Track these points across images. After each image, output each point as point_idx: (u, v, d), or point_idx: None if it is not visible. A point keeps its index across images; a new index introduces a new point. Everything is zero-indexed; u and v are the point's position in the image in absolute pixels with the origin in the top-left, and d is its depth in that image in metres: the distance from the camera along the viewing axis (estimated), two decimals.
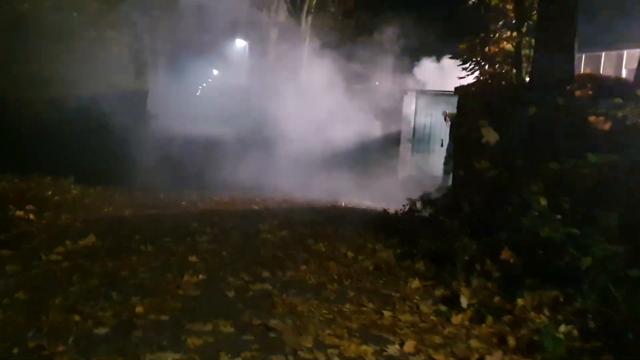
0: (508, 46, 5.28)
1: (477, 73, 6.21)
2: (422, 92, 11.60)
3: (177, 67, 22.52)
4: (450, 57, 7.10)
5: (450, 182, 11.15)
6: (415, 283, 4.47)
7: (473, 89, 5.99)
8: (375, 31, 12.07)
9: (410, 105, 11.34)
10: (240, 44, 22.89)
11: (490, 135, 4.89)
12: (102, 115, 9.95)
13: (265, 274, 4.54)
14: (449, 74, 11.58)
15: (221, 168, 10.15)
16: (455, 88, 7.09)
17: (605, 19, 13.82)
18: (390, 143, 11.16)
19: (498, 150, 4.91)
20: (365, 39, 12.02)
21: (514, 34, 5.31)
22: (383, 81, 11.45)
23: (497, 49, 5.26)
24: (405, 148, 11.48)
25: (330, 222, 6.81)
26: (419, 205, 6.67)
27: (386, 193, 10.10)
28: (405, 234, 5.79)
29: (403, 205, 6.96)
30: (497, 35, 5.36)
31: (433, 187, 10.99)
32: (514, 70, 5.35)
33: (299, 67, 13.50)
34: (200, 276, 4.34)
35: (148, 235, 5.61)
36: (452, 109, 11.37)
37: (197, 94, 31.69)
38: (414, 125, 11.52)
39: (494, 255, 4.25)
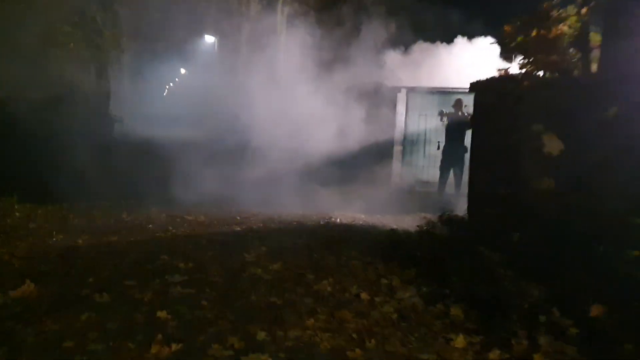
0: (566, 28, 4.24)
1: (514, 64, 5.13)
2: (412, 90, 10.57)
3: (142, 65, 21.14)
4: (493, 43, 5.91)
5: (446, 188, 10.26)
6: (459, 341, 3.40)
7: (506, 83, 4.96)
8: (362, 22, 10.97)
9: (400, 105, 10.31)
10: (209, 40, 21.58)
11: (553, 145, 3.88)
12: (55, 121, 8.62)
13: (261, 335, 3.41)
14: (448, 67, 10.62)
15: (194, 178, 8.93)
16: (472, 84, 6.06)
17: None
18: (383, 147, 10.11)
19: (561, 164, 3.91)
20: (351, 32, 10.91)
21: (583, 10, 4.24)
22: (373, 78, 10.37)
23: (558, 32, 4.21)
24: (397, 152, 10.44)
25: (329, 246, 5.70)
26: (439, 226, 5.62)
27: (381, 203, 9.05)
28: (428, 265, 4.73)
29: (418, 226, 5.90)
30: (556, 14, 4.30)
31: (428, 195, 10.10)
32: (579, 60, 4.29)
33: (274, 64, 12.32)
34: (174, 345, 3.19)
35: (105, 276, 4.42)
36: (448, 108, 10.48)
37: (164, 94, 30.14)
38: (405, 127, 10.48)
39: (566, 305, 3.22)
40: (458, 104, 10.10)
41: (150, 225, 6.56)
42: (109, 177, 8.34)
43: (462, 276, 4.13)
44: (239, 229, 6.58)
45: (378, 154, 10.19)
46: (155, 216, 7.08)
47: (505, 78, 5.31)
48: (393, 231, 6.39)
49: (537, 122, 4.08)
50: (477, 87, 5.91)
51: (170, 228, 6.40)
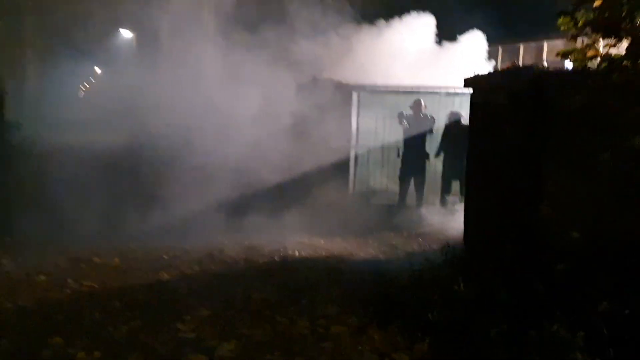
0: None
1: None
2: (362, 89, 9.15)
3: (51, 64, 18.50)
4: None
5: (408, 199, 8.94)
6: None
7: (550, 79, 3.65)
8: (302, 11, 9.47)
9: (355, 107, 8.87)
10: (126, 35, 19.32)
11: None
12: None
13: None
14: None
15: (106, 198, 7.08)
16: (467, 80, 4.75)
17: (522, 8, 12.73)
18: (337, 155, 8.64)
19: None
20: (292, 22, 9.38)
21: None
22: (321, 76, 8.90)
23: None
24: (352, 161, 9.00)
25: (295, 300, 4.18)
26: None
27: (339, 221, 7.59)
28: (447, 333, 3.32)
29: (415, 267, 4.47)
30: None
31: (390, 209, 8.74)
32: None
33: (202, 61, 10.56)
34: None
35: None
36: (406, 109, 9.15)
37: (80, 95, 27.27)
38: (360, 132, 9.07)
39: None
40: (417, 105, 8.85)
41: (41, 277, 4.73)
42: None
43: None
44: (167, 276, 4.87)
45: (331, 164, 8.72)
46: (51, 260, 5.22)
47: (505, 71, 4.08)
48: (378, 274, 4.94)
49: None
50: (477, 83, 4.59)
51: (70, 281, 4.59)
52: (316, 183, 8.51)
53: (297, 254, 5.91)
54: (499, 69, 4.60)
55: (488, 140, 4.44)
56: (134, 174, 7.85)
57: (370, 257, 6.12)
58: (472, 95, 4.81)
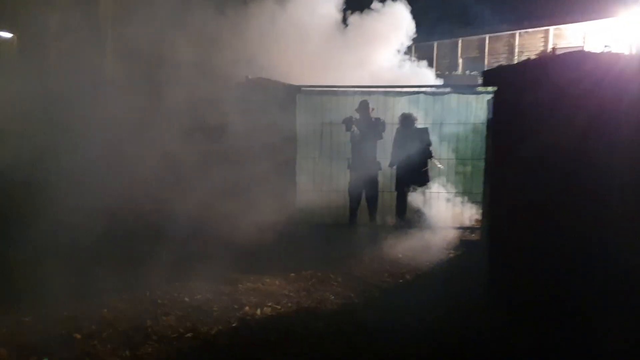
0: None
1: None
2: (299, 90, 7.82)
3: None
4: None
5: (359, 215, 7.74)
6: None
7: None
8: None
9: (295, 110, 7.51)
10: (4, 36, 16.39)
11: None
12: None
13: None
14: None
15: None
16: (490, 74, 3.64)
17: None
18: (278, 168, 7.22)
19: None
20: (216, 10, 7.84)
21: None
22: (252, 74, 7.45)
23: None
24: (293, 174, 7.63)
25: None
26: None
27: (290, 249, 6.32)
28: None
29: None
30: None
31: (342, 231, 7.48)
32: None
33: (100, 63, 8.74)
34: None
35: None
36: (347, 112, 7.95)
37: None
38: (301, 139, 7.75)
39: None
40: (363, 106, 7.74)
41: None
42: None
43: None
44: None
45: (270, 179, 7.32)
46: None
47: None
48: (375, 338, 3.70)
49: None
50: (500, 78, 3.48)
51: None
52: (254, 204, 7.06)
53: (258, 312, 4.50)
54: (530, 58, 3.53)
55: (529, 148, 3.36)
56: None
57: (344, 304, 4.89)
58: (498, 93, 3.70)
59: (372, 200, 7.82)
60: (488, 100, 7.37)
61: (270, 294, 5.03)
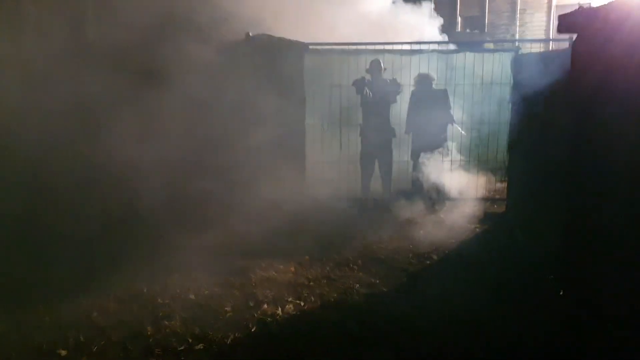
0: None
1: None
2: (307, 49, 6.87)
3: None
4: None
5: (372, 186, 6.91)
6: None
7: None
8: None
9: (297, 70, 6.61)
10: None
11: None
12: None
13: None
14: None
15: None
16: (567, 18, 2.88)
17: None
18: (285, 138, 6.36)
19: None
20: None
21: None
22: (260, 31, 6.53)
23: None
24: (302, 147, 6.80)
25: None
26: None
27: (303, 230, 5.61)
28: None
29: None
30: None
31: (356, 204, 6.70)
32: None
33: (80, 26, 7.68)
34: None
35: None
36: (361, 74, 7.03)
37: None
38: (309, 106, 6.88)
39: None
40: (375, 67, 6.92)
41: None
42: None
43: None
44: None
45: (276, 150, 6.50)
46: None
47: None
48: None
49: None
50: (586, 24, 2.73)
51: None
52: (257, 180, 6.27)
53: (279, 311, 3.80)
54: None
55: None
56: None
57: (372, 294, 4.23)
58: (578, 43, 2.95)
59: (386, 171, 7.11)
60: (513, 58, 6.63)
61: (287, 285, 4.34)
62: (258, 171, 6.21)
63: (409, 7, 9.09)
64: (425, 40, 7.52)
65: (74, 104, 4.88)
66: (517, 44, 7.58)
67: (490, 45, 10.70)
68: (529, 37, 14.74)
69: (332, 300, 4.05)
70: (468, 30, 18.10)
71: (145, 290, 4.06)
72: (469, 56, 7.15)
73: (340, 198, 6.80)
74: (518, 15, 17.03)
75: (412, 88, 7.01)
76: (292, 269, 4.81)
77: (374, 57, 6.97)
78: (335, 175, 7.08)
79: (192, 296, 3.99)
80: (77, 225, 4.47)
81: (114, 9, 5.86)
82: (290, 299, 3.99)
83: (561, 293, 3.76)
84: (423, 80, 6.91)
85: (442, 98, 6.88)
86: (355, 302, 4.06)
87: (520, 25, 16.31)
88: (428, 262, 5.15)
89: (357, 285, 4.46)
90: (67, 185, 4.70)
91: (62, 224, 4.43)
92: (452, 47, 7.30)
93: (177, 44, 6.24)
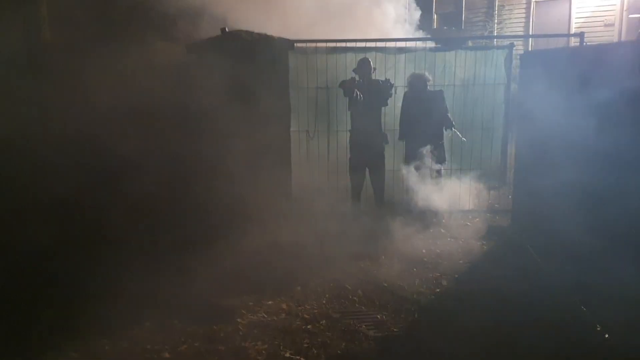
0: None
1: None
2: (292, 47, 6.09)
3: None
4: None
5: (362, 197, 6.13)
6: None
7: None
8: None
9: (281, 70, 5.82)
10: None
11: None
12: None
13: None
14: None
15: None
16: None
17: None
18: (269, 144, 5.53)
19: None
20: None
21: None
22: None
23: None
24: (287, 153, 6.01)
25: None
26: None
27: (293, 250, 4.88)
28: None
29: None
30: None
31: (349, 220, 5.93)
32: None
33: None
34: None
35: None
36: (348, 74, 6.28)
37: None
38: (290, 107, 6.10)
39: None
40: (364, 66, 6.22)
41: None
42: None
43: None
44: None
45: (259, 159, 5.70)
46: None
47: None
48: None
49: None
50: None
51: None
52: (244, 189, 5.48)
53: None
54: None
55: None
56: None
57: (384, 338, 3.55)
58: None
59: (378, 181, 6.42)
60: (521, 56, 6.04)
61: (282, 331, 3.60)
62: (240, 185, 5.43)
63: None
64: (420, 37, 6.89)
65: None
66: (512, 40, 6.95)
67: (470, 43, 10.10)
68: (507, 34, 14.37)
69: (339, 352, 3.34)
70: (445, 28, 17.60)
71: (107, 349, 3.26)
72: (460, 54, 6.59)
73: (328, 213, 6.07)
74: (496, 11, 16.60)
75: (404, 89, 6.35)
76: (284, 306, 4.08)
77: (362, 55, 6.29)
78: (323, 187, 6.35)
79: (166, 355, 3.20)
80: None
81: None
82: (288, 354, 3.26)
83: (606, 336, 3.19)
84: (417, 80, 6.24)
85: (437, 99, 6.23)
86: (366, 352, 3.36)
87: (498, 23, 15.88)
88: (438, 289, 4.51)
89: (364, 325, 3.77)
90: None
91: None
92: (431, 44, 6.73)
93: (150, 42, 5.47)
